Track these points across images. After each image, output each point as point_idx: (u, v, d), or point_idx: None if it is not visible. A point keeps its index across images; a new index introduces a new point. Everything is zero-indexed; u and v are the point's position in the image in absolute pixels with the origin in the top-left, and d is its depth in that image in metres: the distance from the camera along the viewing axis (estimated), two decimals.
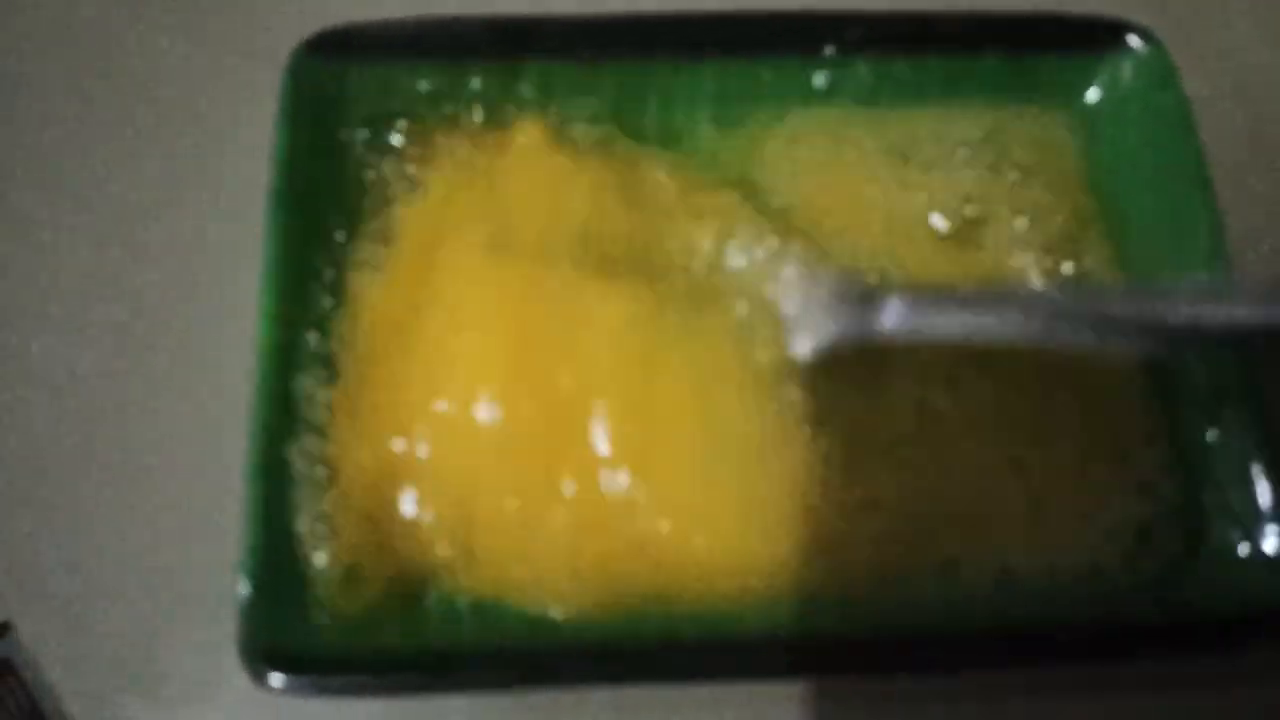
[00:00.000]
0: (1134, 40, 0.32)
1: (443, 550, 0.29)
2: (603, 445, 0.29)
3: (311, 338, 0.30)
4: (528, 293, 0.30)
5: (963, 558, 0.29)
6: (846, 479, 0.29)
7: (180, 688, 0.30)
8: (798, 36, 0.33)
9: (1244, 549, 0.28)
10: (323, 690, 0.27)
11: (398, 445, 0.29)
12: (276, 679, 0.26)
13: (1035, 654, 0.27)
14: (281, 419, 0.29)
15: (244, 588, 0.27)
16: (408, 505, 0.29)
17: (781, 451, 0.29)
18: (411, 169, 0.32)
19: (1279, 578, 0.28)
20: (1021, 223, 0.32)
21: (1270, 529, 0.28)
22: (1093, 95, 0.33)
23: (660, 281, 0.31)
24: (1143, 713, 0.30)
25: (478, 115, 0.33)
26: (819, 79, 0.33)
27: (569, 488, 0.29)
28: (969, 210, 0.32)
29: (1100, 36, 0.33)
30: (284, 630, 0.27)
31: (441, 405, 0.29)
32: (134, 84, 0.36)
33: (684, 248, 0.31)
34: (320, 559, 0.28)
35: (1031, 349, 0.29)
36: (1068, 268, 0.32)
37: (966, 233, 0.32)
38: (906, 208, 0.32)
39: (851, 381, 0.30)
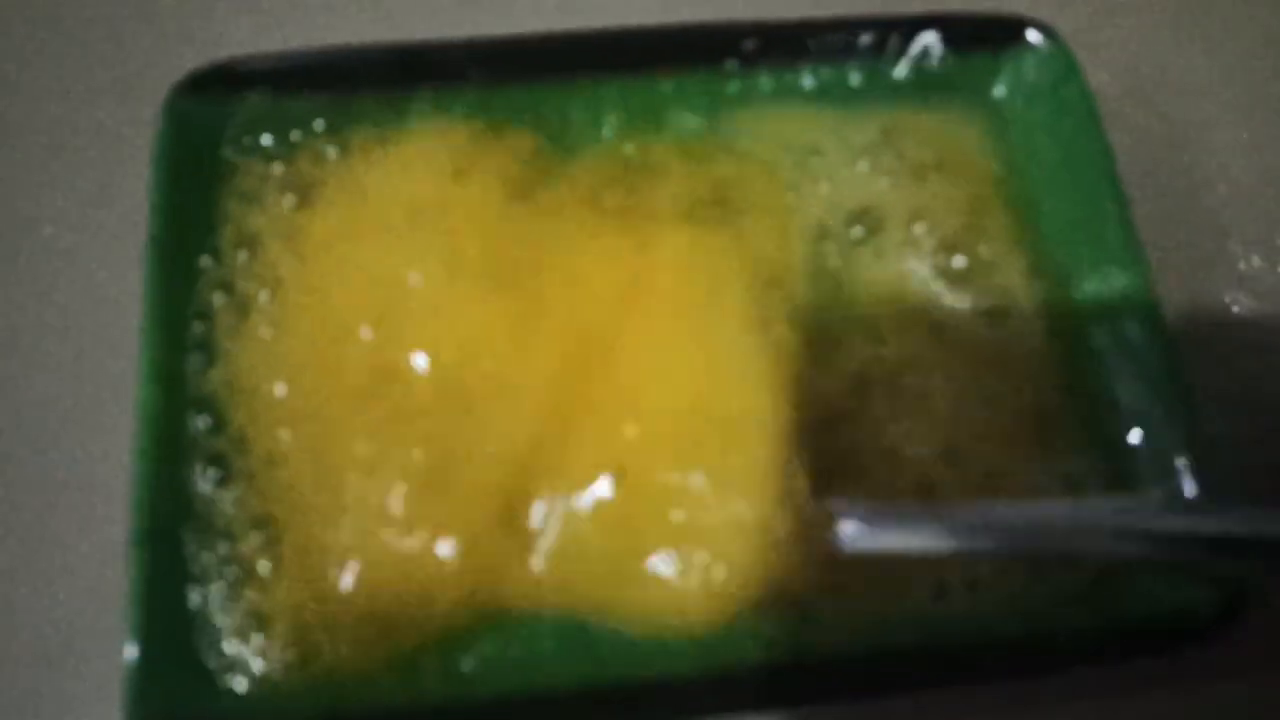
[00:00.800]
0: (1034, 36, 0.32)
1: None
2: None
3: (194, 388, 0.28)
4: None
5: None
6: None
7: None
8: (695, 50, 0.32)
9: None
10: None
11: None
12: None
13: (968, 670, 0.26)
14: (171, 473, 0.27)
15: (130, 652, 0.25)
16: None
17: None
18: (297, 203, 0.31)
19: (1203, 580, 0.27)
20: (921, 226, 0.31)
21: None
22: (998, 93, 0.33)
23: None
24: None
25: (369, 143, 0.32)
26: (726, 88, 0.33)
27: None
28: (871, 211, 0.32)
29: (1000, 34, 0.32)
30: (178, 701, 0.25)
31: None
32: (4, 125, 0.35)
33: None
34: (225, 622, 0.26)
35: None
36: (960, 262, 0.31)
37: (868, 235, 0.31)
38: (810, 212, 0.32)
39: None
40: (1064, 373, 0.30)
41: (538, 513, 0.28)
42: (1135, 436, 0.29)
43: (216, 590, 0.27)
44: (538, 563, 0.27)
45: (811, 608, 0.27)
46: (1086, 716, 0.29)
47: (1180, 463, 0.28)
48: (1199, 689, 0.29)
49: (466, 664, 0.27)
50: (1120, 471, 0.29)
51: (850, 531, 0.26)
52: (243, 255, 0.30)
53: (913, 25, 0.33)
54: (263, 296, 0.29)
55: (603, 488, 0.28)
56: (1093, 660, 0.27)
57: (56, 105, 0.35)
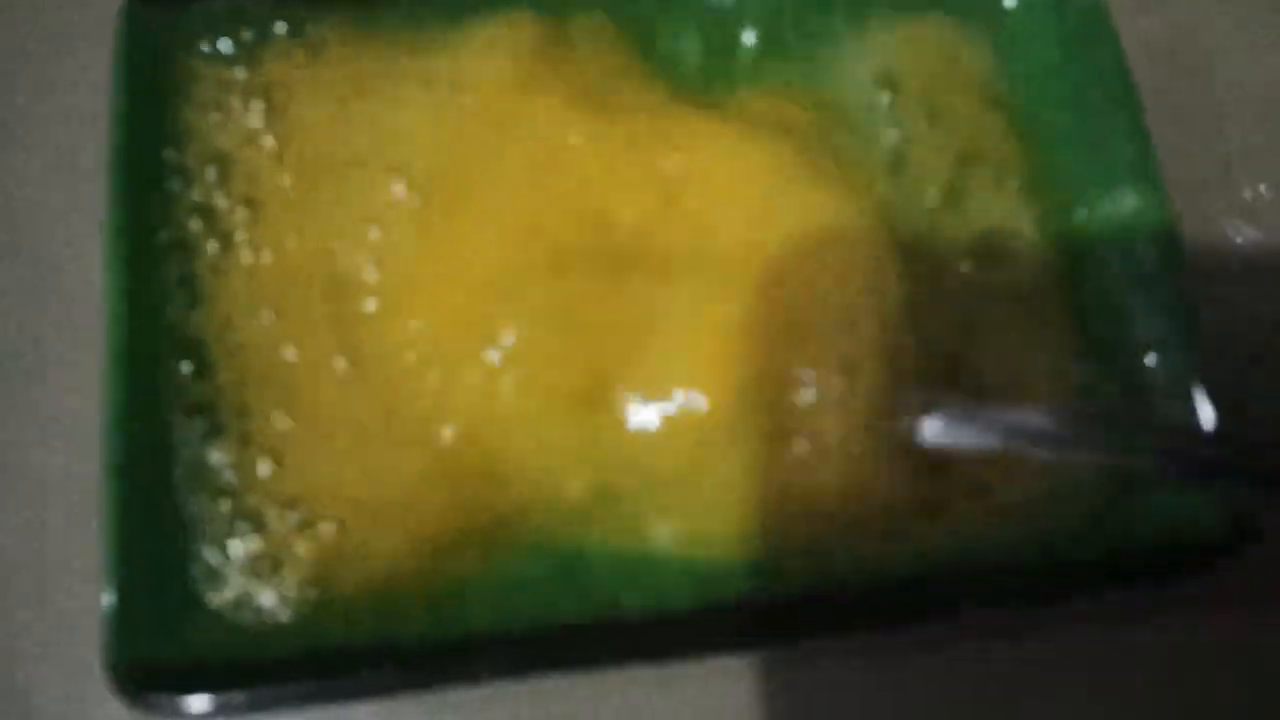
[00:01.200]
0: None
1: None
2: None
3: (170, 311, 0.27)
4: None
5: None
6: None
7: (55, 710, 0.27)
8: None
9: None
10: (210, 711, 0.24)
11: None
12: (152, 700, 0.23)
13: (971, 599, 0.26)
14: (145, 401, 0.26)
15: (109, 597, 0.24)
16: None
17: None
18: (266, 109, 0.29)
19: (1212, 504, 0.27)
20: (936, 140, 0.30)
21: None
22: (1007, 3, 0.31)
23: None
24: (1083, 648, 0.29)
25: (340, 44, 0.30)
26: None
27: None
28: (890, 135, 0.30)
29: None
30: (159, 644, 0.24)
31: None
32: None
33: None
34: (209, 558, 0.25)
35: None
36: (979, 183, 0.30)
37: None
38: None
39: None
40: (1074, 300, 0.29)
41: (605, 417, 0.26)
42: (1150, 361, 0.28)
43: (197, 522, 0.25)
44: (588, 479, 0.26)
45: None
46: (1083, 642, 0.28)
47: (1195, 389, 0.28)
48: (1198, 622, 0.28)
49: (477, 595, 0.26)
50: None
51: (932, 427, 0.26)
52: (212, 172, 0.28)
53: None
54: (240, 217, 0.28)
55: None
56: (1097, 584, 0.26)
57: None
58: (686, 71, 0.30)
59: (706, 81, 0.30)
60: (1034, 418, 0.26)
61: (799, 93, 0.30)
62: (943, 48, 0.31)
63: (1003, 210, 0.30)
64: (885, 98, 0.30)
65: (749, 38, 0.31)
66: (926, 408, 0.26)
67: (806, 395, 0.26)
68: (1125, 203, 0.29)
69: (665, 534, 0.26)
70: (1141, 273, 0.29)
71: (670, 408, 0.26)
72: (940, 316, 0.28)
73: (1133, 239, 0.29)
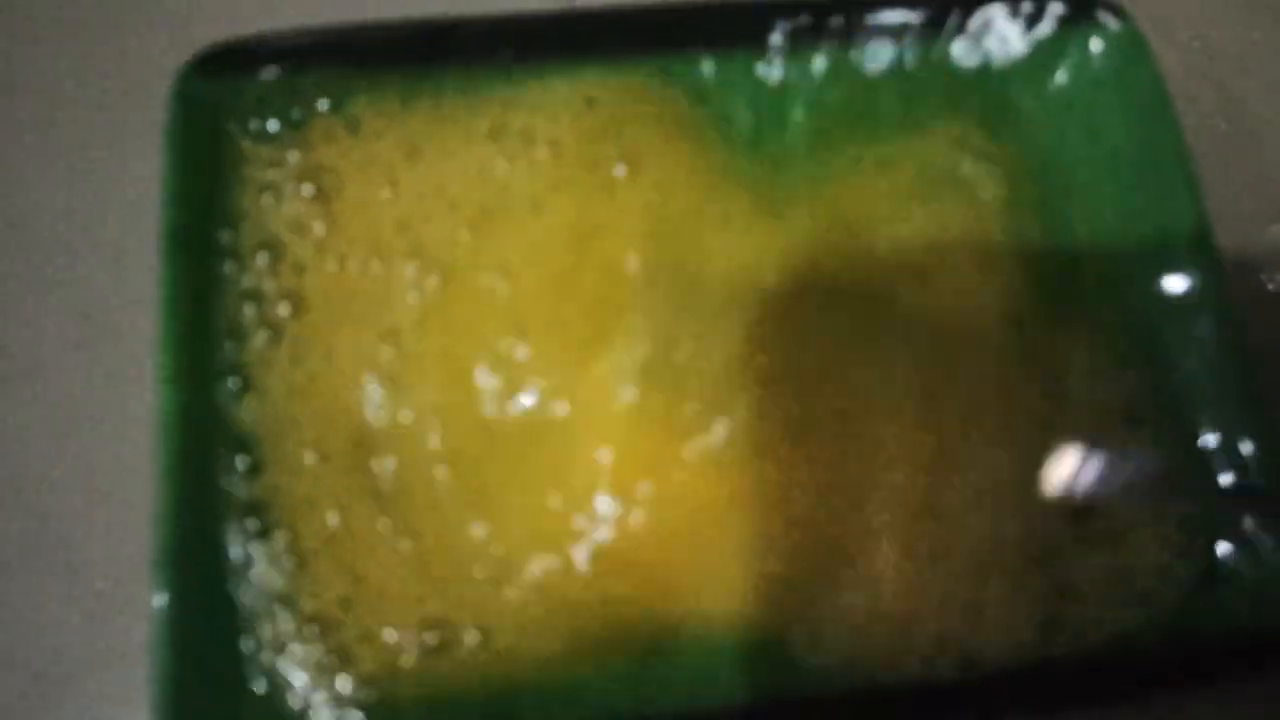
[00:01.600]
0: (1103, 16, 0.30)
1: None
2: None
3: (222, 392, 0.26)
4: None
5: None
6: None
7: None
8: (735, 28, 0.30)
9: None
10: None
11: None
12: None
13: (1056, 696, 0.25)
14: (194, 493, 0.25)
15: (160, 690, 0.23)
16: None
17: None
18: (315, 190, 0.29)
19: None
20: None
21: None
22: (1060, 78, 0.31)
23: None
24: None
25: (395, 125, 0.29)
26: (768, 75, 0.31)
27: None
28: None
29: (1067, 13, 0.30)
30: None
31: None
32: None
33: None
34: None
35: None
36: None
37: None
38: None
39: None
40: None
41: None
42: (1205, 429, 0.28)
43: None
44: None
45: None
46: None
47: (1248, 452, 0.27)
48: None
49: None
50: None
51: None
52: (263, 258, 0.28)
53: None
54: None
55: None
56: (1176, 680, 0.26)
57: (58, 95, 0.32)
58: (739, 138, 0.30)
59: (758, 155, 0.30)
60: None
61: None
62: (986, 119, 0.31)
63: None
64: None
65: (797, 114, 0.31)
66: None
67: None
68: (1182, 284, 0.29)
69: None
70: (1201, 351, 0.28)
71: None
72: None
73: (1189, 318, 0.28)
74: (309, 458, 0.26)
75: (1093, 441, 0.28)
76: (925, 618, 0.26)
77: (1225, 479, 0.27)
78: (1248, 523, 0.27)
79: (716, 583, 0.26)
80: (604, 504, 0.26)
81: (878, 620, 0.26)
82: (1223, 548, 0.27)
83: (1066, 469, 0.27)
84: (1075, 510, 0.27)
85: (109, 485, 0.27)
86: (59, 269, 0.30)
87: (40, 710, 0.26)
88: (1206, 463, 0.28)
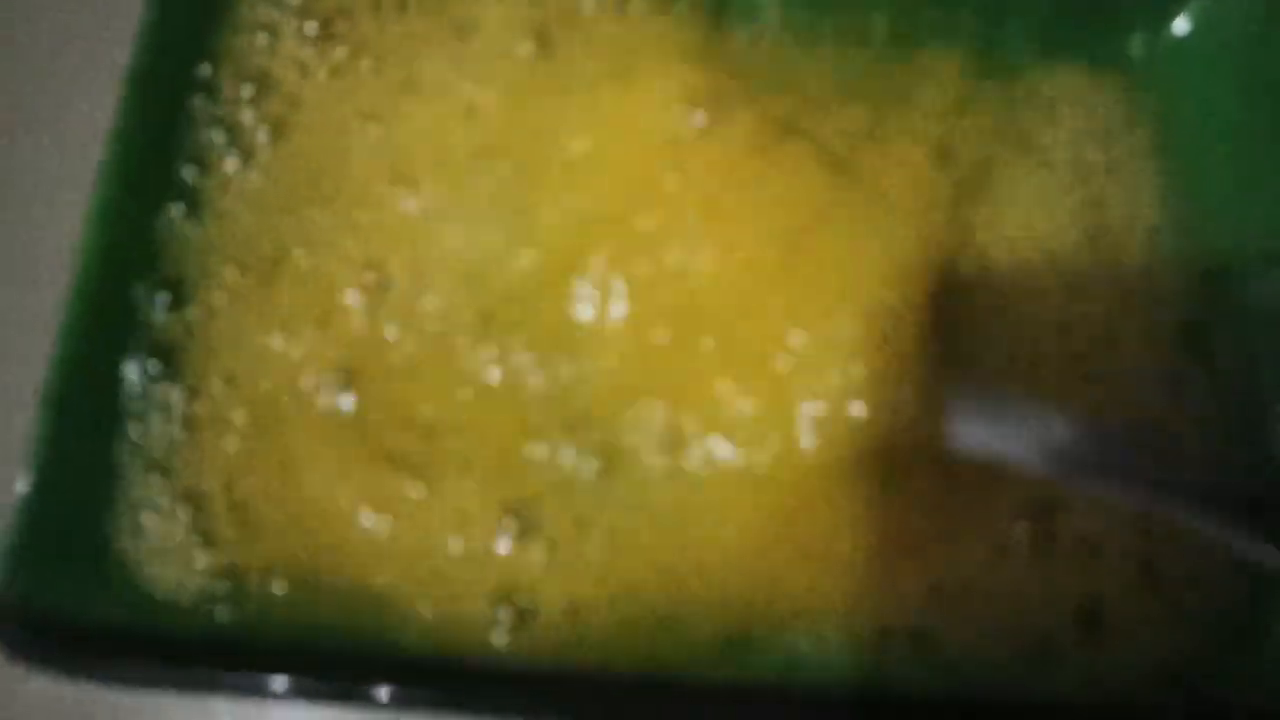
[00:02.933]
0: None
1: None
2: None
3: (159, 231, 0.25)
4: None
5: None
6: None
7: None
8: None
9: None
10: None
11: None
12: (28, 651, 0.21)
13: None
14: (101, 338, 0.24)
15: (12, 535, 0.22)
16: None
17: None
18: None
19: None
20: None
21: None
22: (1177, 30, 0.26)
23: None
24: None
25: None
26: None
27: None
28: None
29: None
30: (53, 594, 0.22)
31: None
32: None
33: None
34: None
35: None
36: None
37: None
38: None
39: None
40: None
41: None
42: None
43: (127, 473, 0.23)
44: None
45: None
46: None
47: None
48: None
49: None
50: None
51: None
52: (247, 90, 0.26)
53: None
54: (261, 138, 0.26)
55: None
56: None
57: None
58: None
59: None
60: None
61: None
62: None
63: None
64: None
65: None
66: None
67: None
68: None
69: None
70: None
71: None
72: None
73: None
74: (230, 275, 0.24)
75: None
76: None
77: None
78: None
79: None
80: None
81: None
82: None
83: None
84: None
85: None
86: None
87: None
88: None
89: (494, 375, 0.24)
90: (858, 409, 0.23)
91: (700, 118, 0.25)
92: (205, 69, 0.26)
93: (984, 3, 0.26)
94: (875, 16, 0.26)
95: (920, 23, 0.27)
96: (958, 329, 0.24)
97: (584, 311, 0.24)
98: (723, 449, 0.23)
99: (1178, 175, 0.25)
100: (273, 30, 0.26)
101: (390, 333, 0.24)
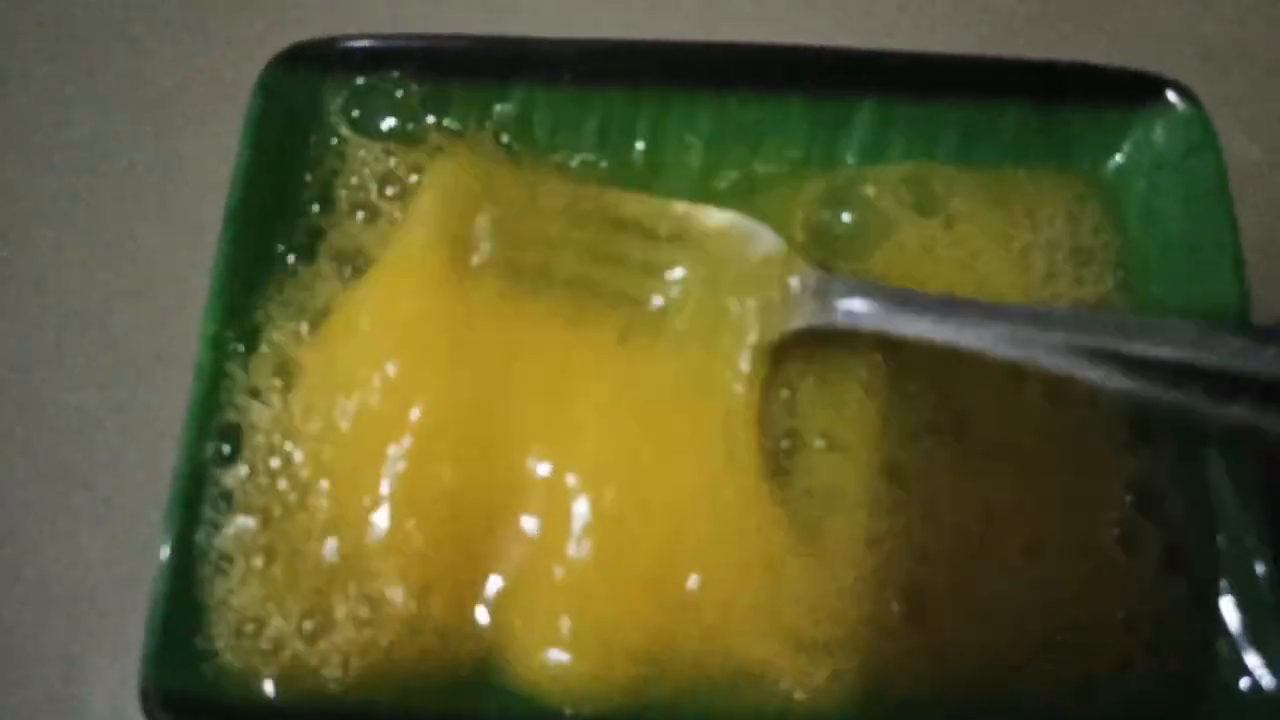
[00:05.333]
0: (1172, 97, 0.30)
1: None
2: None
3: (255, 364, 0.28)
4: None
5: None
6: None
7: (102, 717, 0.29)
8: (798, 75, 0.31)
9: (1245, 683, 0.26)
10: None
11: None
12: None
13: None
14: (215, 453, 0.27)
15: (151, 631, 0.25)
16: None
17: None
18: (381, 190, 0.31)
19: None
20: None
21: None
22: (1120, 156, 0.30)
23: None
24: None
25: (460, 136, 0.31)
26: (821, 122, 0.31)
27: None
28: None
29: (1134, 92, 0.30)
30: (190, 678, 0.25)
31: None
32: (114, 87, 0.35)
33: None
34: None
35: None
36: None
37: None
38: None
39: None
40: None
41: None
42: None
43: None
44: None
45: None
46: None
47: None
48: None
49: None
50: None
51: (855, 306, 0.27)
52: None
53: (1040, 73, 0.30)
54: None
55: None
56: None
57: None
58: None
59: None
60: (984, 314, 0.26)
61: None
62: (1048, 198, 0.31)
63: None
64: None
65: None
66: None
67: None
68: None
69: None
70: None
71: None
72: None
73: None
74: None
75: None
76: None
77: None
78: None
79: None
80: None
81: None
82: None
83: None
84: None
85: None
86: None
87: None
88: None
89: None
90: None
91: None
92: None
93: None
94: None
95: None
96: None
97: None
98: None
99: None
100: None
101: None
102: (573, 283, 0.29)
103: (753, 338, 0.28)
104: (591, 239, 0.29)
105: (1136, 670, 0.26)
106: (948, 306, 0.26)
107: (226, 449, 0.27)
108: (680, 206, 0.29)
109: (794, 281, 0.28)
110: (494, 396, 0.27)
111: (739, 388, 0.27)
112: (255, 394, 0.28)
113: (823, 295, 0.28)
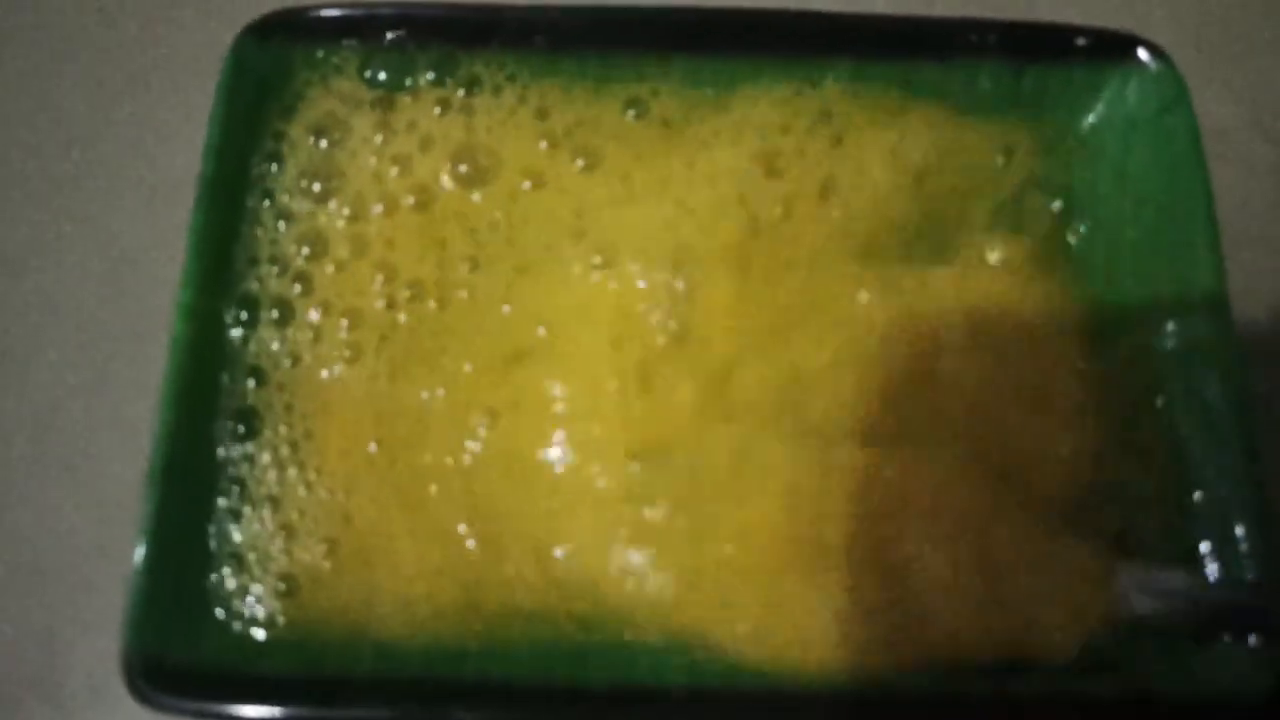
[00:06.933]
0: (1144, 55, 0.30)
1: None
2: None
3: (236, 335, 0.28)
4: None
5: None
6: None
7: (81, 694, 0.29)
8: (780, 35, 0.31)
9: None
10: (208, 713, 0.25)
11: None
12: (157, 698, 0.25)
13: None
14: (194, 417, 0.27)
15: (133, 601, 0.25)
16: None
17: None
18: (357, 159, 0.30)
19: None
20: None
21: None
22: (1093, 116, 0.31)
23: None
24: None
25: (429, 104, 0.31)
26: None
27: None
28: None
29: (1106, 51, 0.30)
30: (172, 648, 0.25)
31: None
32: (92, 61, 0.35)
33: None
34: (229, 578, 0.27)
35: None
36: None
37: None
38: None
39: None
40: (1126, 421, 0.28)
41: None
42: (1198, 497, 0.27)
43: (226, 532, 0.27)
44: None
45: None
46: None
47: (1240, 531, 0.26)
48: None
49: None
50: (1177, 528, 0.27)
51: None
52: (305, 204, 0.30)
53: (1014, 32, 0.30)
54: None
55: None
56: None
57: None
58: None
59: None
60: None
61: None
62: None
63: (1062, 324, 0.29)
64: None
65: None
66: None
67: None
68: (1193, 333, 0.28)
69: None
70: (1205, 409, 0.27)
71: None
72: None
73: (1196, 372, 0.28)
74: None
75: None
76: None
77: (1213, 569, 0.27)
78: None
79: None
80: None
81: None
82: None
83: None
84: None
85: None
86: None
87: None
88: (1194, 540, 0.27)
89: None
90: None
91: None
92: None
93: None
94: None
95: None
96: None
97: None
98: None
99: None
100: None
101: None
102: None
103: None
104: None
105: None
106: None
107: (241, 429, 0.28)
108: None
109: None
110: None
111: None
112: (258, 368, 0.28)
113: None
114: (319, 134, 0.30)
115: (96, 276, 0.33)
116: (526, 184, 0.30)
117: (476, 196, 0.30)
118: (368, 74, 0.31)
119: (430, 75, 0.31)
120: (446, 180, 0.30)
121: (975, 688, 0.26)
